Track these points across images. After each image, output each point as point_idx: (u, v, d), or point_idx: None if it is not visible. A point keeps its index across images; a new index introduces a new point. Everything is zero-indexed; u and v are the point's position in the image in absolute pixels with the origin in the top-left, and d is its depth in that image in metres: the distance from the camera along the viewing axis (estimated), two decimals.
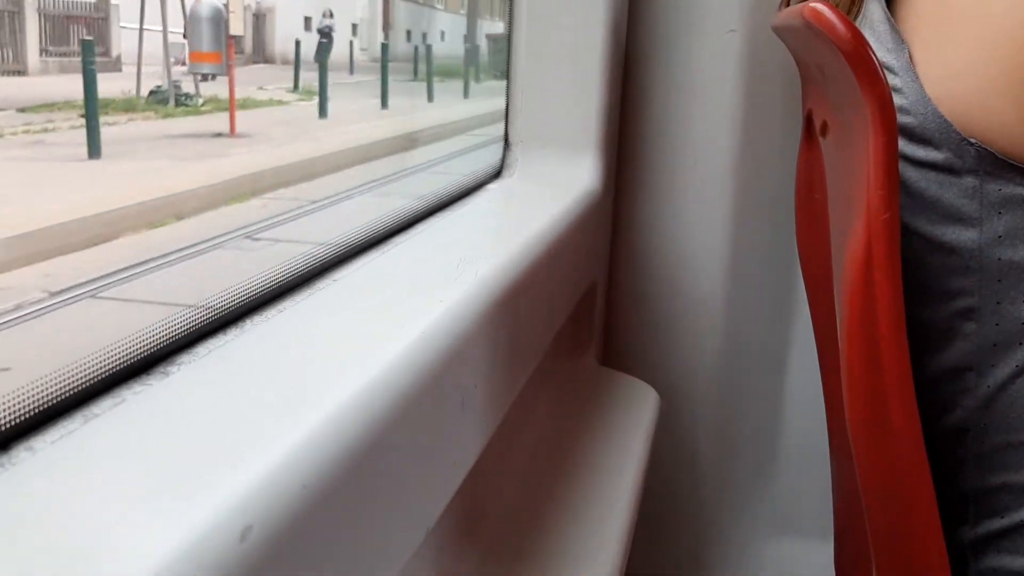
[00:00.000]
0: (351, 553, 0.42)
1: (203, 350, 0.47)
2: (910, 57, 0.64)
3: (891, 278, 0.55)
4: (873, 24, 0.68)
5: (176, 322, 0.47)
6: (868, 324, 0.57)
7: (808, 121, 0.86)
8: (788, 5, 0.84)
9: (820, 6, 0.53)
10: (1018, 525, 0.66)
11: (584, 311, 1.06)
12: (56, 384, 0.38)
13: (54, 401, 0.38)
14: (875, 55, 0.53)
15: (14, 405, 0.37)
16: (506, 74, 1.05)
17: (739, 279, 1.16)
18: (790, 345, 1.20)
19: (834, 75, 0.59)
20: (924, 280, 0.64)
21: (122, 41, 9.10)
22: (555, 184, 1.01)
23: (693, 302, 1.16)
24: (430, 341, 0.51)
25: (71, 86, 6.45)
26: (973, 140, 0.61)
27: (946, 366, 0.67)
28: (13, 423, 0.36)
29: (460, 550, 0.70)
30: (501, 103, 1.06)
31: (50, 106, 6.38)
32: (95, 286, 2.71)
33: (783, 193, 1.10)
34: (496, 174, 1.03)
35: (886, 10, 0.67)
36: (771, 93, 1.11)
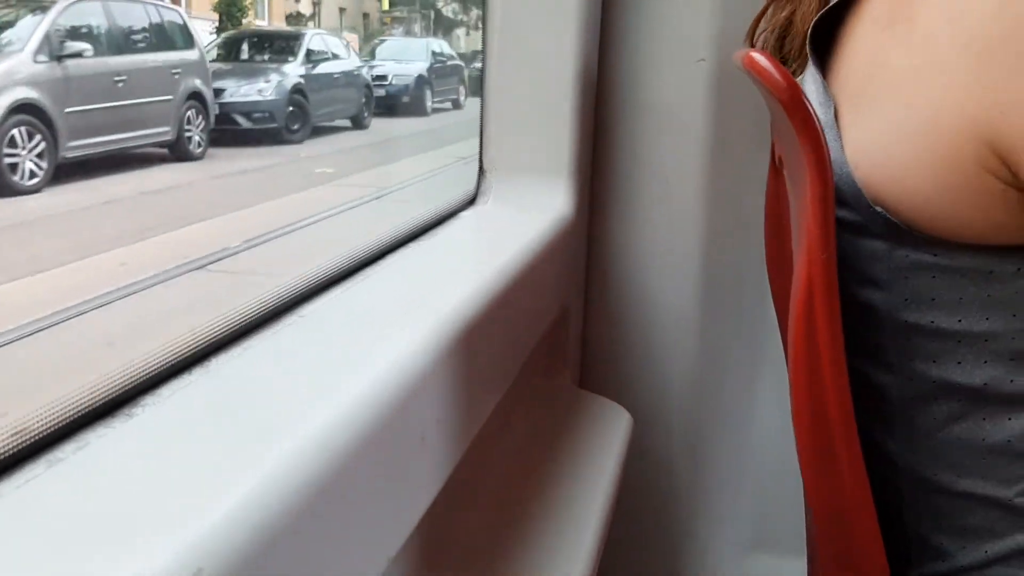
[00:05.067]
0: None
1: (167, 391, 0.49)
2: (835, 116, 0.64)
3: (830, 316, 0.57)
4: (815, 77, 0.69)
5: (142, 364, 0.49)
6: (812, 359, 0.58)
7: (775, 149, 0.88)
8: (752, 38, 0.86)
9: (757, 55, 0.54)
10: (958, 570, 0.67)
11: (558, 335, 1.08)
12: (21, 429, 0.40)
13: (18, 447, 0.40)
14: (812, 105, 0.55)
15: None
16: (480, 101, 1.07)
17: (711, 303, 1.17)
18: (762, 367, 1.22)
19: (778, 118, 0.61)
20: (852, 331, 0.65)
21: None
22: (529, 210, 1.03)
23: (666, 325, 1.18)
24: (388, 379, 0.53)
25: None
26: (879, 208, 0.61)
27: (877, 414, 0.68)
28: None
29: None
30: None
31: None
32: None
33: (754, 218, 1.12)
34: (471, 201, 1.05)
35: (818, 67, 0.68)
36: (741, 120, 1.13)
